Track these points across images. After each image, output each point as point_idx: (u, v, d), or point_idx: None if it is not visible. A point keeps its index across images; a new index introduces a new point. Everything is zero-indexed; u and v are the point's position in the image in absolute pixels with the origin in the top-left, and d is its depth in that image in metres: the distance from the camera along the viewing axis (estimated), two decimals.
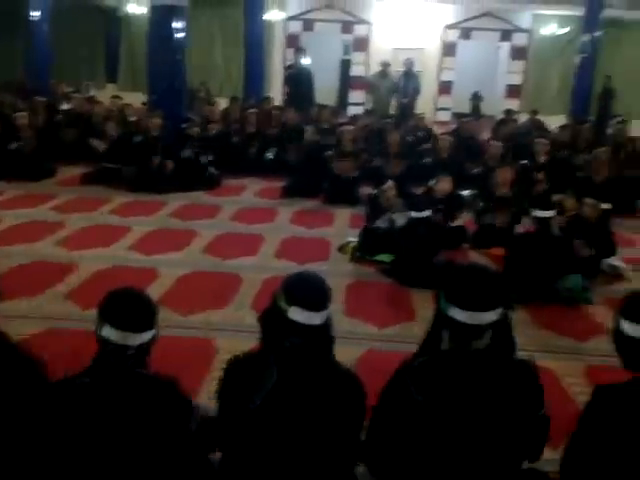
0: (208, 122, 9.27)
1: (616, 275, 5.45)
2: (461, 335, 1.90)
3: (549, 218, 4.89)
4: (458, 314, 1.87)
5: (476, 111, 16.54)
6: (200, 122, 9.02)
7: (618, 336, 1.93)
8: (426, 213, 5.17)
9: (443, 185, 6.02)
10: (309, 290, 2.02)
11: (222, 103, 11.61)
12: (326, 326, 2.03)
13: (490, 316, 1.88)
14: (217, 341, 3.92)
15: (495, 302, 1.90)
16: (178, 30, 8.11)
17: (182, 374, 3.29)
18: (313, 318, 1.97)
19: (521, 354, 3.87)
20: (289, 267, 5.17)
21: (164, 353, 3.46)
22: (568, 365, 3.84)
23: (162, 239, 5.95)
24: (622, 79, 15.96)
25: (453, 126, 11.49)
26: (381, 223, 5.65)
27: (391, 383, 1.99)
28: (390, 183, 5.90)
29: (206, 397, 3.16)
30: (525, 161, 8.04)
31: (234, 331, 4.08)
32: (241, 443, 1.99)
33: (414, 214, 5.20)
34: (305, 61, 11.45)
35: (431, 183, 6.26)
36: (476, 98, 17.24)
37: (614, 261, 5.54)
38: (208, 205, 7.29)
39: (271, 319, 2.04)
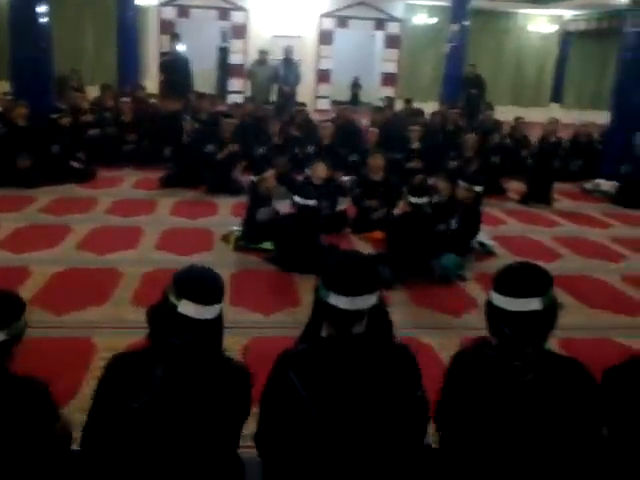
0: (78, 111, 8.83)
1: (486, 252, 5.77)
2: (340, 321, 1.94)
3: (423, 204, 5.10)
4: (337, 300, 1.91)
5: (355, 99, 16.92)
6: (71, 112, 8.58)
7: (488, 306, 2.04)
8: (311, 201, 5.21)
9: (318, 171, 6.09)
10: (200, 284, 1.96)
11: (95, 91, 11.11)
12: (218, 320, 1.98)
13: (368, 300, 1.93)
14: (96, 340, 3.76)
15: (371, 286, 1.96)
16: (41, 15, 7.67)
17: (59, 376, 3.16)
18: (204, 312, 1.91)
19: (401, 332, 4.07)
20: (170, 259, 5.05)
21: (38, 355, 3.31)
22: (445, 340, 4.02)
23: (33, 236, 5.61)
24: (487, 67, 16.90)
25: (332, 114, 11.64)
26: (264, 214, 5.63)
27: (273, 372, 2.00)
28: (270, 171, 5.89)
29: (86, 398, 3.05)
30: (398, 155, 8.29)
31: (114, 328, 3.94)
32: (119, 443, 1.92)
33: (299, 200, 5.22)
34: (181, 48, 11.16)
35: (307, 170, 6.33)
36: (355, 86, 17.66)
37: (484, 239, 5.87)
38: (82, 198, 6.96)
39: (160, 314, 1.98)
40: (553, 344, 3.82)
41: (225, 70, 17.12)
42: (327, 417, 1.87)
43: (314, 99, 16.41)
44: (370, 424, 1.90)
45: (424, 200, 5.12)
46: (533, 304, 1.91)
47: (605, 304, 4.76)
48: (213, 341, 2.00)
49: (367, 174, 6.60)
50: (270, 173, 5.84)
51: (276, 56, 13.10)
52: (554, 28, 18.34)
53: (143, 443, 1.91)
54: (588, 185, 8.84)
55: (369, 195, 6.39)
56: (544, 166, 8.20)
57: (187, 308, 1.90)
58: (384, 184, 6.45)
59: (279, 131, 8.87)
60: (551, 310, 1.96)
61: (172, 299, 1.92)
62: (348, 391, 1.88)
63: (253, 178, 5.79)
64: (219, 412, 1.95)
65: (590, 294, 4.97)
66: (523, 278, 1.98)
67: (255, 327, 4.12)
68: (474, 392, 2.00)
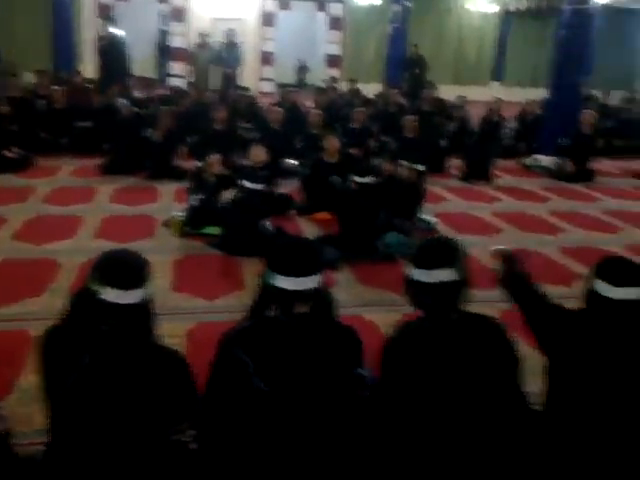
0: (10, 98, 8.51)
1: (429, 229, 5.85)
2: (286, 302, 1.99)
3: (367, 183, 5.12)
4: (282, 282, 1.97)
5: (302, 81, 16.78)
6: (5, 98, 8.27)
7: (407, 282, 2.18)
8: (259, 185, 5.18)
9: (257, 154, 6.02)
10: (120, 268, 1.94)
11: (29, 77, 10.74)
12: (143, 305, 1.96)
13: (312, 281, 2.00)
14: (33, 332, 3.65)
15: (315, 268, 2.03)
16: None
17: None
18: (126, 297, 1.89)
19: (347, 311, 4.10)
20: (110, 247, 4.89)
21: None
22: (389, 317, 4.05)
23: None
24: (429, 47, 17.04)
25: (277, 97, 11.54)
26: (194, 200, 5.55)
27: (218, 351, 2.01)
28: (215, 156, 5.82)
29: (25, 392, 2.98)
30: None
31: (52, 319, 3.83)
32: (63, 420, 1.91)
33: (247, 184, 5.18)
34: (118, 31, 10.87)
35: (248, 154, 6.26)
36: (302, 68, 17.53)
37: (426, 216, 5.94)
38: (18, 188, 6.74)
39: (82, 301, 1.94)
40: (496, 314, 3.91)
41: (165, 54, 16.78)
42: (275, 391, 1.91)
43: (258, 82, 16.27)
44: (314, 398, 1.95)
45: (367, 180, 5.15)
46: (446, 274, 2.08)
47: (544, 275, 4.87)
48: (140, 326, 1.97)
49: (322, 156, 6.56)
50: (215, 158, 5.77)
51: (218, 39, 12.91)
52: (495, 8, 18.57)
53: (77, 422, 1.90)
54: (527, 161, 9.03)
55: (321, 176, 6.36)
56: (484, 144, 8.34)
57: (108, 294, 1.87)
58: (339, 166, 6.42)
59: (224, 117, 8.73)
60: (464, 278, 2.13)
61: (93, 285, 1.88)
62: (292, 366, 1.93)
63: (198, 163, 5.71)
64: (148, 398, 1.92)
65: (530, 267, 5.08)
66: (436, 252, 2.15)
67: (200, 312, 4.08)
68: (411, 359, 2.08)
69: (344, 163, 6.39)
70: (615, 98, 13.04)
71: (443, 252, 2.14)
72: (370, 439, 2.10)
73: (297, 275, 1.97)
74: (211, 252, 5.13)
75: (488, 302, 4.21)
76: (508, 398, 2.12)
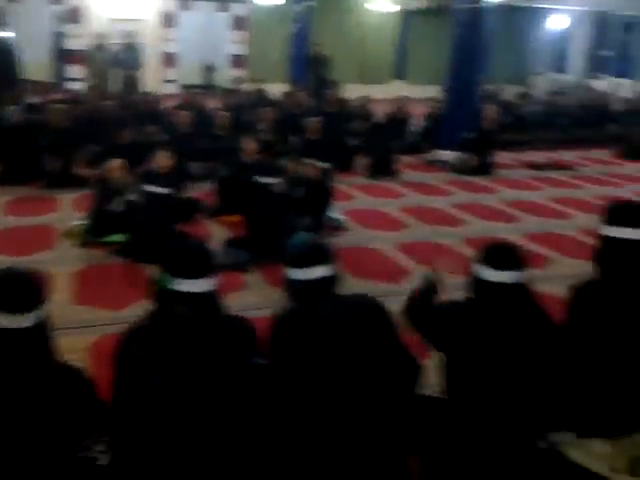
0: None
1: (337, 227, 5.91)
2: (178, 302, 2.06)
3: (272, 184, 5.12)
4: (176, 284, 2.04)
5: (209, 82, 16.46)
6: None
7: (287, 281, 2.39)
8: (164, 190, 5.06)
9: (161, 160, 5.88)
10: (9, 290, 1.86)
11: None
12: (38, 328, 1.88)
13: (204, 283, 2.08)
14: None
15: (209, 270, 2.13)
16: None
17: None
18: (17, 321, 1.82)
19: (258, 313, 4.07)
20: (7, 261, 4.69)
21: None
22: None
23: None
24: (333, 46, 17.22)
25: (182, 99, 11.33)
26: (118, 204, 5.39)
27: (116, 351, 2.08)
28: (117, 162, 5.64)
29: None
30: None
31: None
32: None
33: (149, 189, 5.06)
34: (5, 34, 10.33)
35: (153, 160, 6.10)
36: (209, 69, 17.17)
37: (335, 214, 6.00)
38: None
39: None
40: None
41: (62, 57, 16.11)
42: (169, 383, 1.98)
43: (161, 84, 15.90)
44: (208, 387, 2.03)
45: (272, 180, 5.14)
46: (321, 271, 2.28)
47: (450, 267, 5.04)
48: (35, 350, 1.89)
49: (240, 158, 6.48)
50: (118, 163, 5.59)
51: (116, 40, 12.53)
52: (393, 7, 18.99)
53: None
54: (430, 156, 9.29)
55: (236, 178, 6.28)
56: (389, 141, 8.52)
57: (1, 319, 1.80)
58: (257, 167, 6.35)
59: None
60: (336, 274, 2.34)
61: None
62: (186, 359, 2.02)
63: (102, 169, 5.52)
64: (49, 419, 1.85)
65: (434, 258, 5.23)
66: (309, 251, 2.34)
67: (104, 324, 3.94)
68: (293, 345, 2.24)
69: (261, 164, 6.37)
70: (509, 94, 13.62)
71: (315, 251, 2.34)
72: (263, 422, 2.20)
73: (195, 277, 2.04)
74: (115, 261, 4.98)
75: (394, 296, 4.32)
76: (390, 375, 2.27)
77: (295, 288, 2.33)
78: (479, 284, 2.29)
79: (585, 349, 2.38)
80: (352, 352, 2.20)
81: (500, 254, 2.28)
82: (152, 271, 2.18)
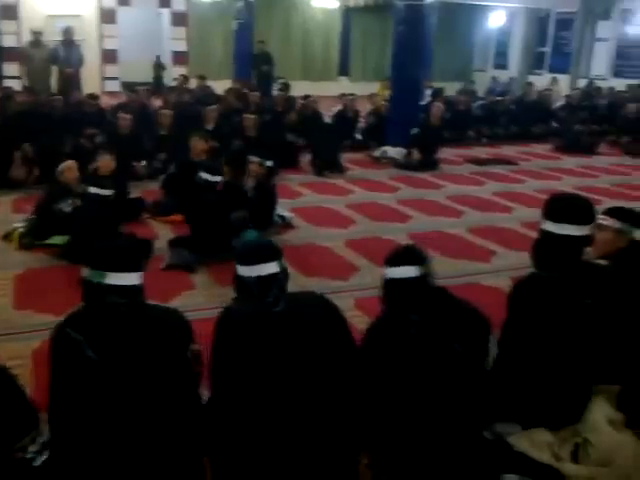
0: None
1: (285, 225, 5.90)
2: (122, 295, 2.17)
3: (215, 182, 5.10)
4: (109, 278, 2.17)
5: (159, 80, 16.08)
6: None
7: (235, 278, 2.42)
8: (106, 192, 4.97)
9: (103, 162, 5.76)
10: None
11: None
12: None
13: (130, 277, 2.21)
14: None
15: (136, 265, 2.27)
16: None
17: None
18: None
19: (206, 313, 4.03)
20: None
21: None
22: None
23: None
24: (276, 43, 17.20)
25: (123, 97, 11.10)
26: (66, 206, 5.25)
27: (53, 335, 2.17)
28: (70, 162, 5.52)
29: None
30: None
31: None
32: None
33: (93, 191, 4.97)
34: None
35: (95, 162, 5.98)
36: (158, 66, 16.75)
37: (282, 212, 5.99)
38: None
39: None
40: (351, 303, 4.04)
41: None
42: (106, 359, 2.07)
43: (101, 81, 15.57)
44: (144, 369, 2.12)
45: (216, 178, 5.11)
46: (269, 268, 2.33)
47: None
48: None
49: (190, 157, 6.37)
50: (70, 164, 5.47)
51: (54, 37, 12.16)
52: (335, 4, 19.05)
53: None
54: (376, 152, 9.37)
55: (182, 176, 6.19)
56: (336, 138, 8.56)
57: None
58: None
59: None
60: (284, 271, 2.40)
61: None
62: (122, 342, 2.12)
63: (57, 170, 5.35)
64: None
65: (382, 253, 5.28)
66: (258, 249, 2.43)
67: (47, 329, 3.81)
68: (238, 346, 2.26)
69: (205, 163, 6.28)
70: (452, 90, 13.86)
71: (265, 249, 2.40)
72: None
73: (119, 271, 2.17)
74: (57, 264, 4.84)
75: (344, 292, 4.35)
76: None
77: (244, 285, 2.36)
78: (387, 283, 2.48)
79: (526, 342, 2.45)
80: (303, 349, 2.23)
81: (399, 253, 2.50)
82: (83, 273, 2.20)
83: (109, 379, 2.06)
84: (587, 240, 2.50)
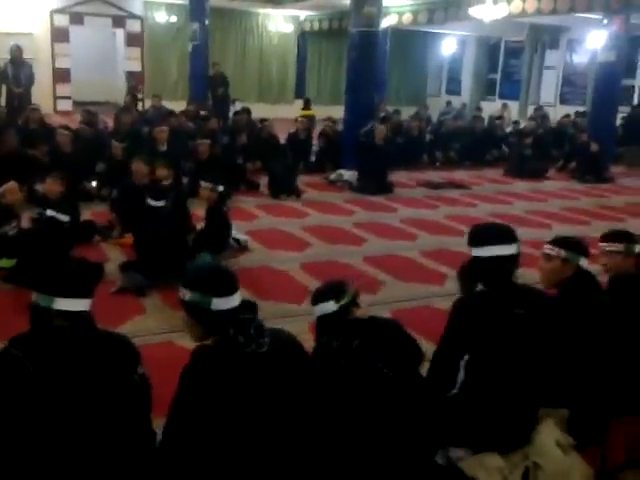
0: None
1: (242, 248, 5.87)
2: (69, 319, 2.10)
3: (162, 207, 5.10)
4: (57, 304, 2.09)
5: (135, 99, 15.42)
6: None
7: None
8: (62, 216, 4.90)
9: (53, 187, 5.59)
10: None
11: None
12: None
13: (79, 304, 2.13)
14: None
15: (85, 291, 2.18)
16: None
17: None
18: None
19: (158, 338, 3.95)
20: None
21: None
22: None
23: None
24: (233, 65, 17.26)
25: (78, 116, 10.92)
26: (11, 229, 5.10)
27: None
28: (12, 184, 5.35)
29: None
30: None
31: None
32: None
33: (46, 213, 4.89)
34: None
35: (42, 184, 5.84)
36: (133, 88, 15.86)
37: (238, 235, 5.95)
38: None
39: None
40: (306, 329, 4.02)
41: None
42: (46, 381, 1.99)
43: (53, 100, 15.32)
44: (89, 394, 2.04)
45: (162, 203, 5.11)
46: (236, 300, 2.14)
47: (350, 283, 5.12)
48: None
49: (131, 180, 6.27)
50: (12, 185, 5.30)
51: (2, 55, 11.93)
52: (291, 28, 19.26)
53: None
54: (332, 176, 9.43)
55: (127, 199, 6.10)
56: (291, 160, 8.60)
57: None
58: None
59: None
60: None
61: None
62: (68, 366, 2.04)
63: None
64: None
65: (337, 277, 5.29)
66: (218, 277, 2.20)
67: None
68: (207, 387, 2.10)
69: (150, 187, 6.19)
70: (407, 114, 14.11)
71: (231, 274, 2.24)
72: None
73: (69, 297, 2.10)
74: (2, 287, 4.70)
75: (299, 316, 4.33)
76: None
77: (220, 321, 2.12)
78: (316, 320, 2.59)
79: (471, 364, 2.48)
80: (284, 395, 2.14)
81: (320, 291, 2.64)
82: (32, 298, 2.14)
83: (47, 396, 2.01)
84: (515, 258, 2.66)
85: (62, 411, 2.01)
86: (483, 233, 2.75)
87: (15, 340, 2.13)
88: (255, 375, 2.08)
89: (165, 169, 6.23)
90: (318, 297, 2.59)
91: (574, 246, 2.91)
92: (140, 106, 13.99)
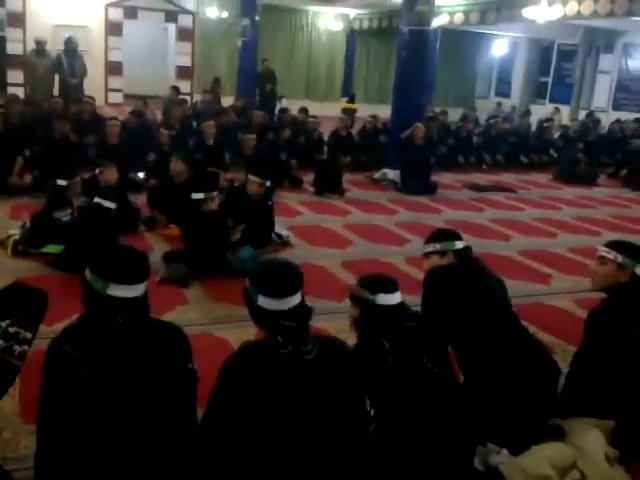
0: None
1: (283, 243, 5.88)
2: (128, 309, 2.06)
3: (202, 200, 5.07)
4: (114, 290, 2.05)
5: (217, 97, 15.58)
6: None
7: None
8: (112, 204, 5.01)
9: (109, 176, 5.72)
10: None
11: None
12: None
13: (138, 289, 2.10)
14: None
15: (145, 275, 2.15)
16: None
17: None
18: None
19: (199, 329, 3.98)
20: None
21: None
22: (241, 333, 4.00)
23: None
24: (281, 62, 17.32)
25: (128, 109, 11.11)
26: (64, 216, 5.28)
27: (49, 350, 2.03)
28: (111, 165, 5.69)
29: None
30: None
31: None
32: None
33: (100, 202, 4.98)
34: None
35: (97, 172, 5.95)
36: (216, 82, 15.90)
37: (280, 230, 5.97)
38: None
39: None
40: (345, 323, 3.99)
41: (3, 61, 15.63)
42: (99, 375, 1.96)
43: (105, 92, 15.61)
44: (143, 389, 2.01)
45: (208, 196, 5.09)
46: (295, 300, 2.09)
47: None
48: None
49: (170, 178, 6.34)
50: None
51: (59, 46, 12.22)
52: (341, 26, 19.24)
53: None
54: (376, 175, 9.39)
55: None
56: (334, 158, 8.59)
57: None
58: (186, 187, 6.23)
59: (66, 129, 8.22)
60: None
61: None
62: (119, 358, 2.00)
63: (60, 182, 5.31)
64: None
65: None
66: (285, 279, 2.13)
67: (38, 338, 3.76)
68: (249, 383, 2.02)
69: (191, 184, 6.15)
70: (455, 115, 13.95)
71: (291, 278, 2.14)
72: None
73: (134, 282, 2.07)
74: (51, 273, 4.80)
75: (338, 313, 4.31)
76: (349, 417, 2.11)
77: (270, 319, 2.09)
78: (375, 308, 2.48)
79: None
80: (328, 403, 2.04)
81: (384, 280, 2.55)
82: (85, 276, 2.12)
83: (102, 396, 1.98)
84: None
85: (114, 408, 1.98)
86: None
87: (68, 333, 2.06)
88: (297, 379, 2.00)
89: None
90: (388, 285, 2.46)
91: (633, 252, 2.77)
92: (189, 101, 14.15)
